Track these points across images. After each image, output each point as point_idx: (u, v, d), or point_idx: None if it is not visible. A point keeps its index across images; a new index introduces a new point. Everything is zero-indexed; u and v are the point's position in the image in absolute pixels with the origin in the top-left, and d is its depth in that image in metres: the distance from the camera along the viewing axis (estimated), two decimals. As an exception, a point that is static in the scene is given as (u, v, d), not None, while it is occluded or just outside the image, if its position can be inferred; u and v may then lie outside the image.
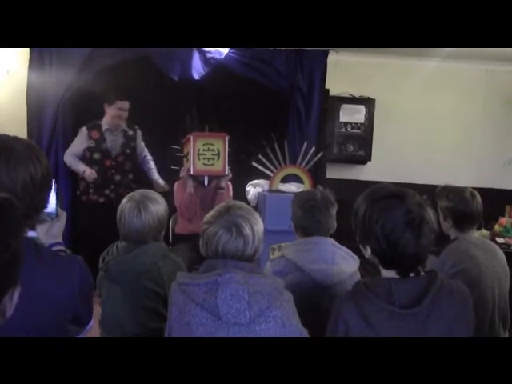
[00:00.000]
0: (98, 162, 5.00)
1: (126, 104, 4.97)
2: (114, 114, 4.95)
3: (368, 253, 1.82)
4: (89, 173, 4.90)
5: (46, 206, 1.67)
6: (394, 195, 1.77)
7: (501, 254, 2.93)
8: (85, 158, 5.00)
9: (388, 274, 1.81)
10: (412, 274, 1.78)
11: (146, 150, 5.26)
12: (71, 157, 5.04)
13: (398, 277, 1.78)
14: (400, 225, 1.71)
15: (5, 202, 1.07)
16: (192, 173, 4.40)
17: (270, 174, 4.98)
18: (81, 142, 5.01)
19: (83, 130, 5.00)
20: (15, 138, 1.58)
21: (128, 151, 5.11)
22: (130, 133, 5.13)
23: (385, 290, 1.74)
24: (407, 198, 1.75)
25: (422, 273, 1.81)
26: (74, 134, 5.12)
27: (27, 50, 5.02)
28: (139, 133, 5.20)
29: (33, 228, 1.74)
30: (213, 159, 4.42)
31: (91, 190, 5.05)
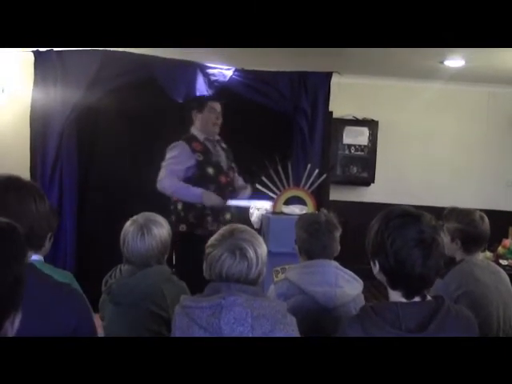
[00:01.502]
0: (214, 179, 4.23)
1: (218, 105, 4.41)
2: (208, 119, 4.35)
3: (376, 269, 1.81)
4: (214, 197, 4.08)
5: (51, 235, 1.88)
6: (409, 214, 1.78)
7: (505, 276, 2.92)
8: (189, 178, 4.15)
9: (395, 295, 1.80)
10: (418, 298, 1.78)
11: None
12: (173, 180, 4.08)
13: (404, 301, 1.77)
14: (410, 242, 1.71)
15: (7, 226, 1.07)
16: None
17: (274, 196, 4.98)
18: (187, 157, 4.16)
19: (181, 144, 4.22)
20: (22, 178, 1.78)
21: (233, 164, 4.52)
22: (220, 139, 4.53)
23: (392, 314, 1.73)
24: (422, 219, 1.76)
25: (429, 297, 1.80)
26: (79, 156, 5.13)
27: (31, 71, 5.04)
28: None
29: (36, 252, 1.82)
30: None
31: (209, 219, 4.14)
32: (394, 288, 1.80)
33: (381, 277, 1.82)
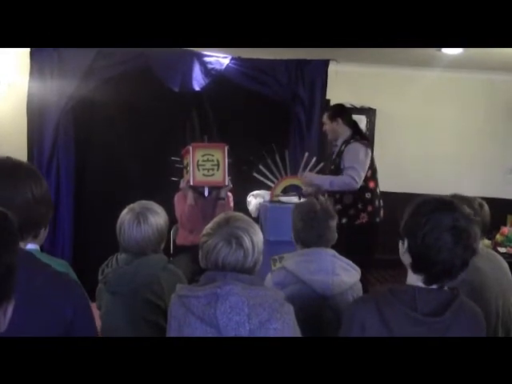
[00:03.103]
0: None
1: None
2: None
3: (404, 249, 1.81)
4: None
5: (47, 224, 1.76)
6: (447, 203, 1.79)
7: (505, 265, 2.91)
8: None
9: (414, 279, 1.80)
10: (435, 286, 1.77)
11: None
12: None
13: (423, 286, 1.77)
14: (442, 227, 1.72)
15: None
16: (192, 184, 4.39)
17: (271, 185, 4.97)
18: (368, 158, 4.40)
19: (363, 147, 4.38)
20: (19, 161, 1.69)
21: None
22: None
23: (408, 297, 1.74)
24: (459, 209, 1.77)
25: (445, 288, 1.80)
26: (76, 146, 5.12)
27: (28, 62, 5.02)
28: None
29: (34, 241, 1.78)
30: (212, 170, 4.41)
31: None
32: (416, 271, 1.79)
33: (405, 258, 1.82)
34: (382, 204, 4.47)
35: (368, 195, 4.35)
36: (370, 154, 4.41)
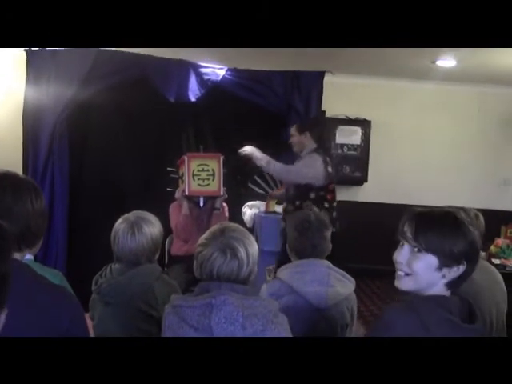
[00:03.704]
0: None
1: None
2: None
3: (458, 272, 1.75)
4: None
5: (42, 235, 1.79)
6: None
7: (499, 276, 2.92)
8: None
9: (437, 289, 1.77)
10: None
11: None
12: None
13: (448, 294, 1.76)
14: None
15: None
16: (187, 193, 4.39)
17: (266, 194, 4.98)
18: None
19: (320, 158, 4.50)
20: (18, 174, 1.76)
21: None
22: None
23: (448, 304, 1.72)
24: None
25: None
26: (71, 154, 5.11)
27: (24, 69, 5.01)
28: None
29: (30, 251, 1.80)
30: (208, 179, 4.41)
31: None
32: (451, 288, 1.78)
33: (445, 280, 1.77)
34: (337, 216, 4.51)
35: (326, 205, 4.41)
36: (328, 168, 4.44)
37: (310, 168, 4.37)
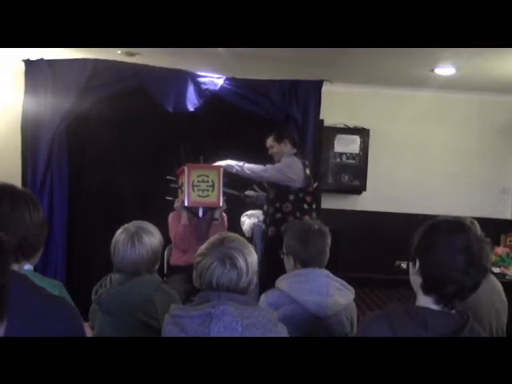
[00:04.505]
0: None
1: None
2: None
3: (415, 270, 1.78)
4: None
5: (40, 247, 1.80)
6: (462, 223, 1.79)
7: (499, 285, 2.92)
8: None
9: (424, 301, 1.77)
10: (446, 309, 1.75)
11: None
12: None
13: (434, 308, 1.74)
14: (456, 248, 1.71)
15: None
16: (186, 204, 4.39)
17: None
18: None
19: (299, 161, 4.70)
20: (17, 187, 1.76)
21: None
22: None
23: (420, 318, 1.71)
24: (472, 230, 1.76)
25: (453, 311, 1.79)
26: (70, 164, 5.11)
27: (22, 80, 5.02)
28: None
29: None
30: (207, 191, 4.42)
31: None
32: (427, 292, 1.76)
33: (415, 278, 1.79)
34: (318, 219, 4.55)
35: (306, 206, 4.55)
36: (306, 170, 4.63)
37: (290, 168, 4.53)
